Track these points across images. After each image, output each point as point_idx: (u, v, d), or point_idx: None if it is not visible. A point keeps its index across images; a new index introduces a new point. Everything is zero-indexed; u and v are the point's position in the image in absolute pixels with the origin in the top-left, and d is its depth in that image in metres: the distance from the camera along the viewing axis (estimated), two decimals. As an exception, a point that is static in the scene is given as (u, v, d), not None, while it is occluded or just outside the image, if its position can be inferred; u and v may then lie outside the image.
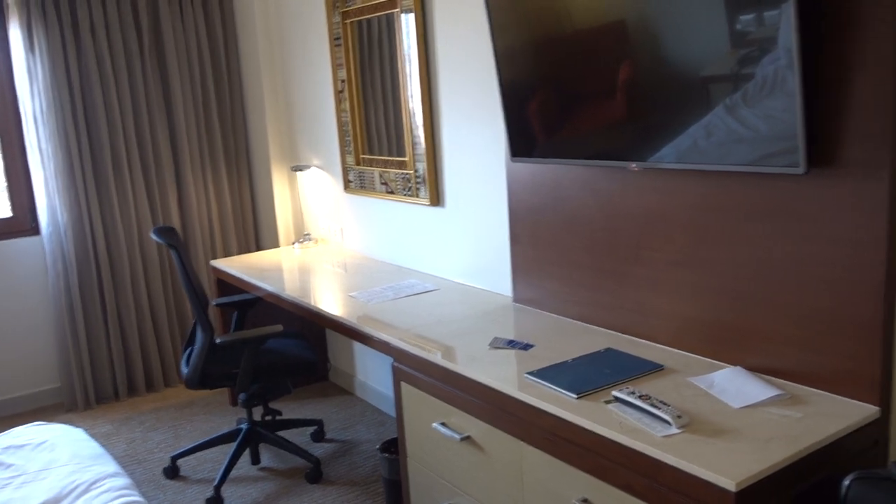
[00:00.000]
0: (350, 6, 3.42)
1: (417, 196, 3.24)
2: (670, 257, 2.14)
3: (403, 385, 2.45)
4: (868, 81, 1.64)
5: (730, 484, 1.47)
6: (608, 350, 2.18)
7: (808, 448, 1.59)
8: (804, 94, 1.66)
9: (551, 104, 2.30)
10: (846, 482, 1.47)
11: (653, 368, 2.03)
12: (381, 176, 3.48)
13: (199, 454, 3.41)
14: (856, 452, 1.71)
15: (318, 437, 3.54)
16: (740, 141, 1.81)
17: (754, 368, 1.97)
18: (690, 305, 2.11)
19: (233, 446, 3.21)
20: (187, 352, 3.23)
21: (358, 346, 3.95)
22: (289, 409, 3.88)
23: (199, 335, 3.07)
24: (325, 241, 4.10)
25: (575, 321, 2.48)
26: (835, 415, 1.72)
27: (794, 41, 1.63)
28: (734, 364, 2.01)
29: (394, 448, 2.75)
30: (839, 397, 1.80)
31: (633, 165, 2.09)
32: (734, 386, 1.88)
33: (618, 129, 2.11)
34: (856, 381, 1.76)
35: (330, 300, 3.00)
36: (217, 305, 3.56)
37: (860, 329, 1.74)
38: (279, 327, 3.00)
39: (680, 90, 1.91)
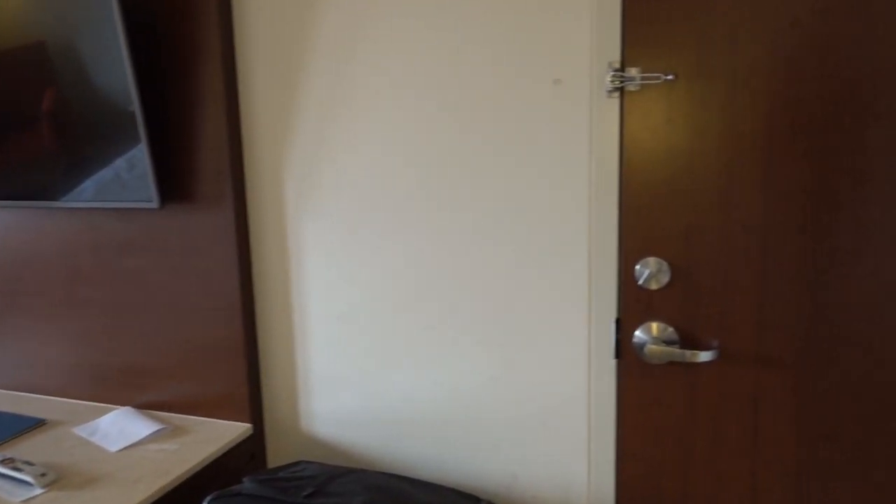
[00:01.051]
0: None
1: None
2: (51, 301, 2.00)
3: None
4: (207, 120, 1.75)
5: (84, 537, 1.40)
6: (-15, 412, 1.95)
7: (178, 478, 1.61)
8: (148, 130, 1.69)
9: None
10: (203, 505, 1.53)
11: (33, 424, 1.87)
12: None
13: None
14: (235, 469, 1.80)
15: None
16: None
17: (145, 406, 1.95)
18: (76, 350, 2.00)
19: None
20: None
21: None
22: None
23: None
24: None
25: (-45, 384, 2.17)
26: (211, 440, 1.78)
27: (131, 79, 1.65)
28: (125, 405, 1.97)
29: None
30: (220, 421, 1.88)
31: (-6, 205, 1.90)
32: (117, 428, 1.83)
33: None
34: (231, 403, 1.86)
35: None
36: None
37: (228, 353, 1.84)
38: None
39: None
